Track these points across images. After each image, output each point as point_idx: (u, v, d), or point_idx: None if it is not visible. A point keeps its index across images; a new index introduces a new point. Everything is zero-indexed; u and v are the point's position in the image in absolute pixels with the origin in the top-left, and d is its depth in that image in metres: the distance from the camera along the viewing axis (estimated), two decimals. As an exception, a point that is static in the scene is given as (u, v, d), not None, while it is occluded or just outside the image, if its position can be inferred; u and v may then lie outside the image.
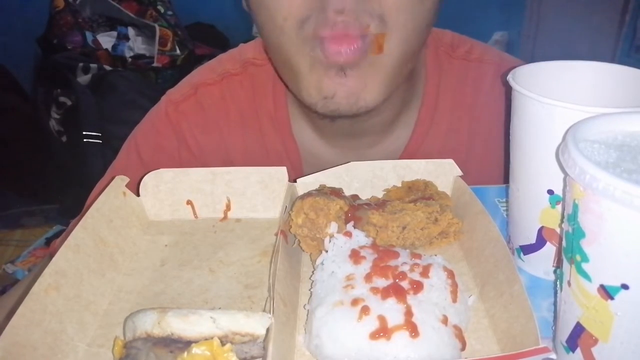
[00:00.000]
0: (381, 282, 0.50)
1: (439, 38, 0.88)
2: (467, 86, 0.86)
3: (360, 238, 0.57)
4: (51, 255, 0.55)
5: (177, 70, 2.46)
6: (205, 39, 2.75)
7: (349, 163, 0.69)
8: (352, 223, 0.59)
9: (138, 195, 0.70)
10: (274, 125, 0.88)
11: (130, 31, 2.44)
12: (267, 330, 0.46)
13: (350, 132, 0.83)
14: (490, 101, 0.83)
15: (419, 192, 0.66)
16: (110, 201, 0.64)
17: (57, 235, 2.17)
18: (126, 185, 0.68)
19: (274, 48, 0.71)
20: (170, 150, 0.90)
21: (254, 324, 0.46)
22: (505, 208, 0.70)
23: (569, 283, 0.43)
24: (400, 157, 0.86)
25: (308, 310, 0.52)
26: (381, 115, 0.81)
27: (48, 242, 2.17)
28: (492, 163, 0.82)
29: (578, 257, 0.40)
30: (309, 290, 0.55)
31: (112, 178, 0.87)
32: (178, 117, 0.89)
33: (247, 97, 0.89)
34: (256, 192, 0.70)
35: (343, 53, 0.65)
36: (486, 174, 0.80)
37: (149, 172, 0.82)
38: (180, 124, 0.89)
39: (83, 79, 2.16)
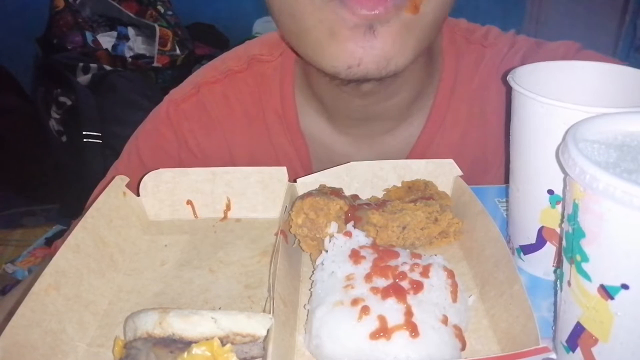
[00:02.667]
0: (381, 282, 0.50)
1: (455, 24, 0.86)
2: (482, 71, 0.83)
3: (360, 238, 0.57)
4: (51, 257, 0.55)
5: (177, 70, 2.46)
6: (205, 39, 2.76)
7: (349, 163, 0.69)
8: (352, 223, 0.59)
9: (138, 195, 0.70)
10: (280, 121, 0.86)
11: (130, 31, 2.44)
12: (268, 330, 0.46)
13: (365, 116, 0.81)
14: (502, 88, 0.80)
15: (419, 192, 0.66)
16: (110, 201, 0.64)
17: (57, 235, 2.17)
18: (127, 187, 0.68)
19: (288, 17, 0.66)
20: (170, 151, 0.88)
21: (255, 324, 0.46)
22: (505, 208, 0.70)
23: (569, 283, 0.43)
24: (415, 146, 0.84)
25: (308, 310, 0.52)
26: (398, 96, 0.78)
27: (48, 242, 2.17)
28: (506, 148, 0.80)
29: (578, 257, 0.40)
30: (309, 290, 0.55)
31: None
32: (179, 118, 0.88)
33: (252, 95, 0.87)
34: (256, 192, 0.70)
35: (374, 8, 0.59)
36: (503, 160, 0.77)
37: None
38: (181, 125, 0.88)
39: (83, 79, 2.17)
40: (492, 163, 0.83)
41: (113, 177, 0.89)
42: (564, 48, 0.82)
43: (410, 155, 0.84)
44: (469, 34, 0.85)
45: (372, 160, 0.84)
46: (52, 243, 0.96)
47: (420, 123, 0.84)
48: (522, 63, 0.81)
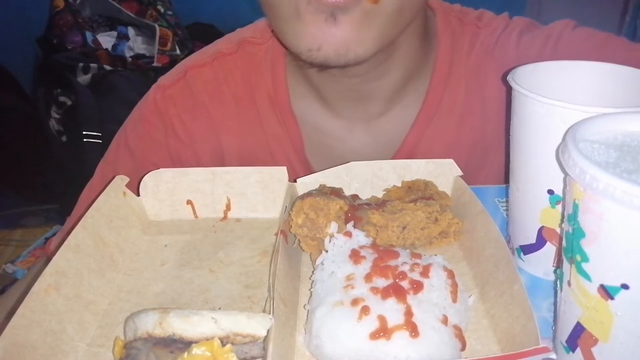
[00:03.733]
0: (381, 282, 0.50)
1: (448, 6, 0.85)
2: (477, 51, 0.83)
3: (360, 238, 0.57)
4: (47, 255, 0.54)
5: (177, 70, 2.46)
6: (205, 39, 2.75)
7: (349, 163, 0.69)
8: (352, 223, 0.59)
9: (135, 191, 0.69)
10: (272, 104, 0.84)
11: (130, 31, 2.44)
12: (268, 330, 0.46)
13: (357, 95, 0.80)
14: (499, 67, 0.78)
15: (419, 192, 0.66)
16: (110, 201, 0.64)
17: (57, 235, 2.17)
18: (116, 175, 0.67)
19: None
20: (158, 138, 0.86)
21: (256, 325, 0.46)
22: (505, 208, 0.70)
23: (569, 283, 0.43)
24: (412, 129, 0.82)
25: (308, 310, 0.52)
26: (389, 76, 0.77)
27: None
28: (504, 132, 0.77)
29: (578, 257, 0.40)
30: (309, 290, 0.55)
31: (104, 171, 0.88)
32: (166, 103, 0.85)
33: (243, 76, 0.85)
34: (256, 192, 0.70)
35: None
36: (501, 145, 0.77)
37: (139, 163, 0.81)
38: (168, 110, 0.85)
39: (83, 79, 2.17)
40: (491, 147, 0.82)
41: (103, 170, 0.89)
42: (560, 26, 0.82)
43: (406, 139, 0.83)
44: (463, 15, 0.85)
45: (366, 143, 0.84)
46: (52, 244, 0.95)
47: (417, 105, 0.83)
48: (519, 41, 0.81)
